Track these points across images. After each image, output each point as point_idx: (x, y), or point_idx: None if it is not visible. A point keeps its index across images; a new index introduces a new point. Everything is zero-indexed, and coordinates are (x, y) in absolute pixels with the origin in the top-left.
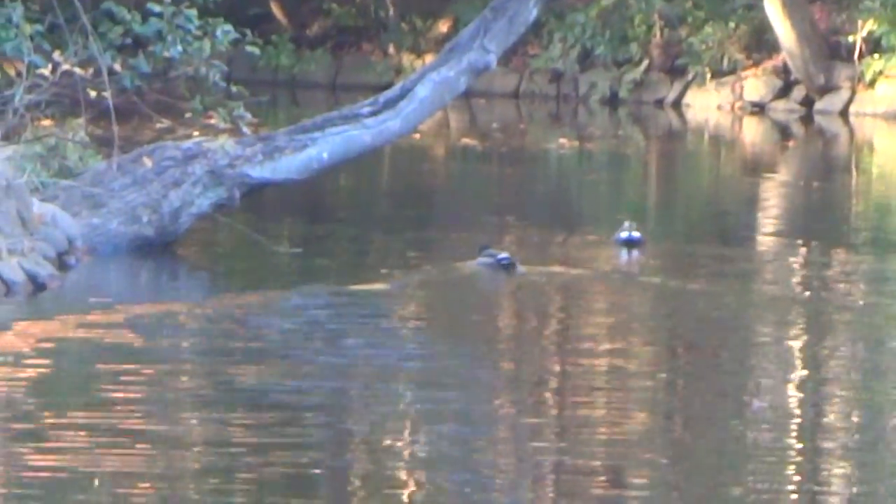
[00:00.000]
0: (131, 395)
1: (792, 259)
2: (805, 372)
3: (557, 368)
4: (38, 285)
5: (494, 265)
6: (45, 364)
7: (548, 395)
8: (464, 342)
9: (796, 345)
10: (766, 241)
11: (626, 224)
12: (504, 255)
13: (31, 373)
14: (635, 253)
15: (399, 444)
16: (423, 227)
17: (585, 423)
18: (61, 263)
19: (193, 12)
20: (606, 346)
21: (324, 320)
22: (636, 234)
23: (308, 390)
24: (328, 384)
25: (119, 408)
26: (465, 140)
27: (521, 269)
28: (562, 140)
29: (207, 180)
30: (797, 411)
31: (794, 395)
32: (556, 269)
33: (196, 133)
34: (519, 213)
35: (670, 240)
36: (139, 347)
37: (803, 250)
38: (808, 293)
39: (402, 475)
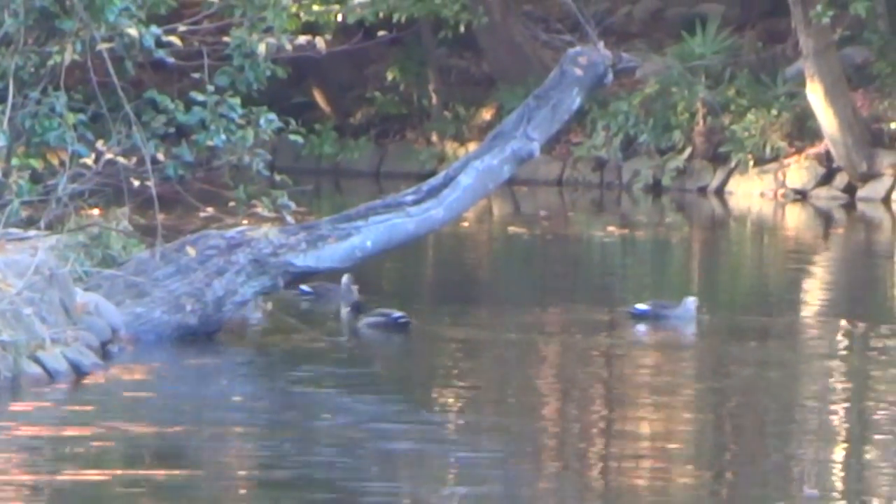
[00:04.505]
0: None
1: (835, 335)
2: (854, 452)
3: (604, 443)
4: (81, 374)
5: (389, 323)
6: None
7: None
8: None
9: (843, 422)
10: (808, 318)
11: (652, 302)
12: (397, 314)
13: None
14: (641, 326)
15: None
16: (475, 313)
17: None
18: (105, 352)
19: (237, 101)
20: (651, 418)
21: (363, 404)
22: (641, 306)
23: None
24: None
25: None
26: (512, 228)
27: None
28: (609, 228)
29: (251, 269)
30: (850, 499)
31: (844, 480)
32: (603, 340)
33: (245, 222)
34: (571, 294)
35: (718, 314)
36: (182, 435)
37: (847, 327)
38: (853, 368)
39: None
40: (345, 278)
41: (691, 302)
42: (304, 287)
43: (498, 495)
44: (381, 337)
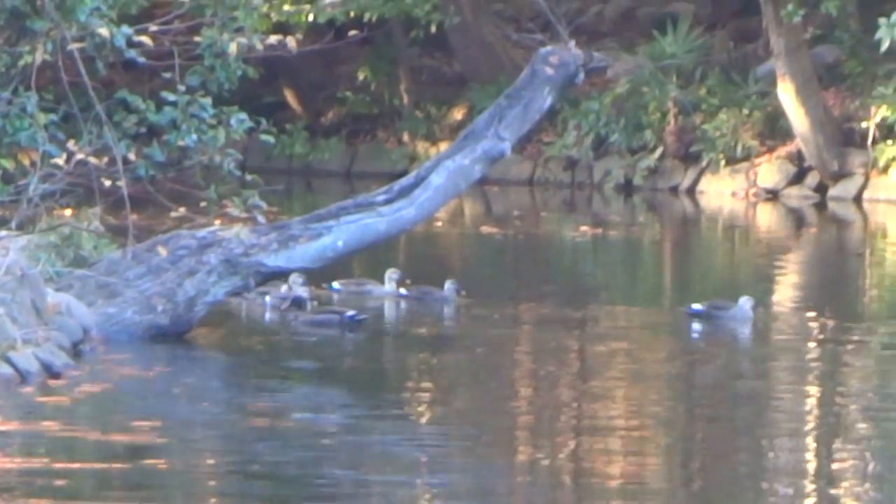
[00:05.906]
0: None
1: (807, 330)
2: (824, 447)
3: (579, 445)
4: (52, 374)
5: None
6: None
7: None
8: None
9: (815, 416)
10: (782, 314)
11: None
12: (351, 312)
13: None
14: (697, 325)
15: None
16: (449, 311)
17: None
18: (76, 353)
19: (208, 101)
20: (621, 409)
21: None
22: (697, 306)
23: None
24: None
25: None
26: (485, 228)
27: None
28: (583, 228)
29: (222, 269)
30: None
31: (812, 478)
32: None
33: (217, 222)
34: (545, 292)
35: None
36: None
37: (817, 322)
38: (824, 366)
39: None
40: (449, 282)
41: (746, 302)
42: (401, 290)
43: (467, 487)
44: (333, 334)
